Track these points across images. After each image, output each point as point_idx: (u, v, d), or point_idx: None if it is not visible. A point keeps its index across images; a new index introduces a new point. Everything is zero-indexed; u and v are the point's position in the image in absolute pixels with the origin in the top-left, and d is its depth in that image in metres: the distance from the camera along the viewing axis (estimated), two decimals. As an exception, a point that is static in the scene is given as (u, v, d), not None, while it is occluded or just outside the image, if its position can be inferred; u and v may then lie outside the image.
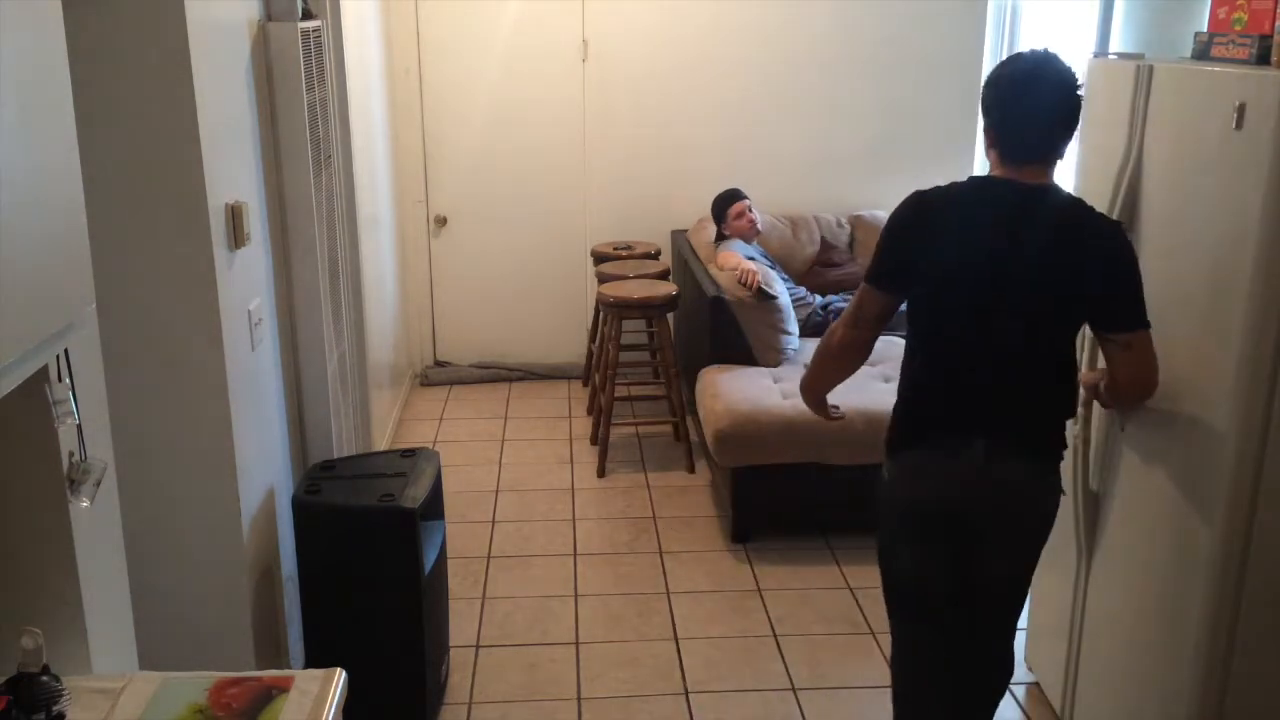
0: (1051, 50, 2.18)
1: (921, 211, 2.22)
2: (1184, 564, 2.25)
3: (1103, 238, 2.13)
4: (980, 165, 5.52)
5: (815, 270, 5.19)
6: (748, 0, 5.32)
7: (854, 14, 5.35)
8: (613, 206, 5.58)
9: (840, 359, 2.38)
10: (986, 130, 2.20)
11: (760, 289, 4.26)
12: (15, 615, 1.59)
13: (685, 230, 5.41)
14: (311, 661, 2.81)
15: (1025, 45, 5.22)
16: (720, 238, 4.88)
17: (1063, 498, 2.30)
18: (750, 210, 4.88)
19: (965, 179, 2.27)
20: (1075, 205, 2.18)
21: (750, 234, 4.87)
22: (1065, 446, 2.27)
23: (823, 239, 5.31)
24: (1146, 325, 2.13)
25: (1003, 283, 2.12)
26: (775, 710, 3.03)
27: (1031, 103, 2.13)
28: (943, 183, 2.23)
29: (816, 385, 2.48)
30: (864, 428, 3.72)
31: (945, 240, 2.17)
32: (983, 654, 2.38)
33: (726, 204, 4.90)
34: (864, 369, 4.21)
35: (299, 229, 2.95)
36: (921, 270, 2.20)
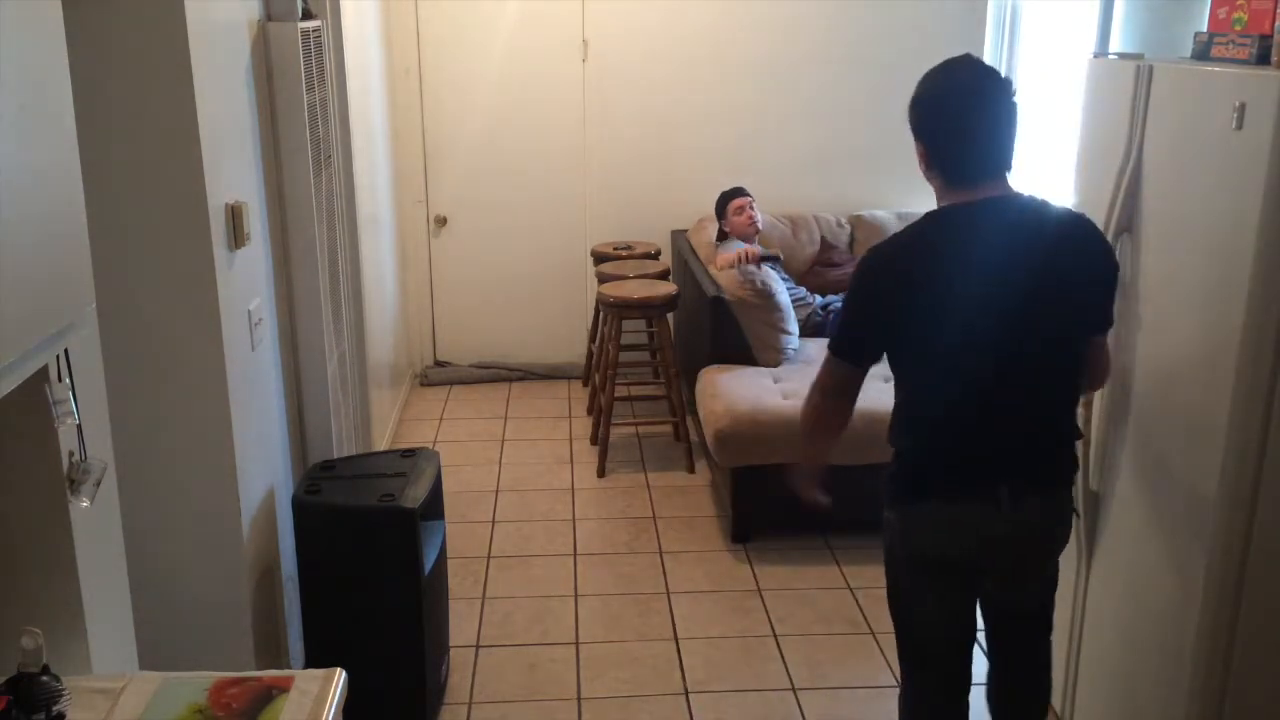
0: (972, 56, 2.08)
1: (883, 270, 2.07)
2: (1184, 564, 2.25)
3: (1090, 238, 2.08)
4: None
5: (815, 270, 5.19)
6: (748, 0, 5.32)
7: (854, 14, 5.35)
8: (613, 206, 5.58)
9: (817, 427, 2.21)
10: (926, 154, 2.06)
11: (760, 286, 4.26)
12: (15, 615, 1.59)
13: (685, 230, 5.41)
14: (311, 661, 2.81)
15: (1025, 45, 5.25)
16: (722, 236, 4.89)
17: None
18: (751, 208, 4.88)
19: (920, 218, 2.08)
20: (1050, 208, 2.09)
21: (750, 232, 4.87)
22: (1077, 469, 2.23)
23: (823, 239, 5.31)
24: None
25: (1009, 311, 2.00)
26: (775, 710, 3.03)
27: (974, 117, 2.00)
28: (934, 204, 2.08)
29: (807, 456, 2.29)
30: (863, 427, 3.70)
31: (923, 291, 2.01)
32: (1022, 678, 2.34)
33: (727, 199, 4.91)
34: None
35: (299, 229, 2.95)
36: (904, 330, 2.05)
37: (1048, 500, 2.16)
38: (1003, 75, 2.03)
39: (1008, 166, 2.06)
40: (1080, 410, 2.54)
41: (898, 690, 2.46)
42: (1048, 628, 2.35)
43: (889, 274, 2.07)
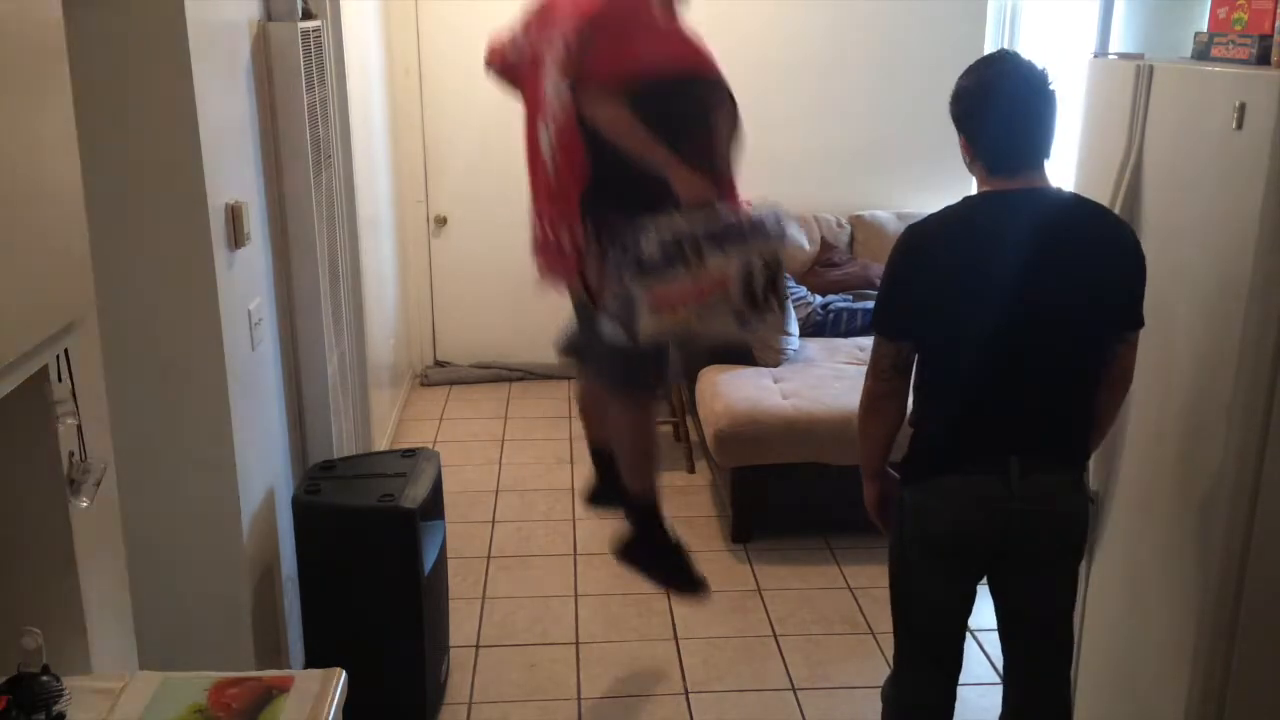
0: (1011, 50, 2.14)
1: (920, 247, 2.13)
2: (1184, 564, 2.25)
3: (1123, 236, 2.11)
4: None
5: (815, 270, 5.18)
6: (746, 1, 5.32)
7: (854, 14, 5.35)
8: (613, 206, 5.57)
9: (871, 411, 2.25)
10: (966, 144, 2.12)
11: None
12: (15, 615, 1.59)
13: (685, 230, 5.41)
14: (311, 661, 2.81)
15: (1025, 45, 5.25)
16: None
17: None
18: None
19: (959, 201, 2.16)
20: (1085, 204, 2.15)
21: None
22: (1088, 456, 2.24)
23: (823, 239, 5.31)
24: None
25: (1033, 299, 2.04)
26: (775, 710, 3.04)
27: (1011, 107, 2.05)
28: (935, 205, 2.14)
29: (863, 448, 2.32)
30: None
31: (955, 270, 2.08)
32: (1044, 706, 2.32)
33: None
34: (861, 369, 4.23)
35: (299, 229, 2.95)
36: (934, 308, 2.10)
37: (1061, 478, 2.16)
38: (1041, 69, 2.06)
39: (1046, 156, 2.10)
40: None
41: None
42: (1068, 649, 2.32)
43: (921, 251, 2.13)
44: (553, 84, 2.55)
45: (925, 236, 2.14)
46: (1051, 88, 2.06)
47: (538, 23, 2.72)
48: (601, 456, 3.14)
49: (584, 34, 2.48)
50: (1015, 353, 2.08)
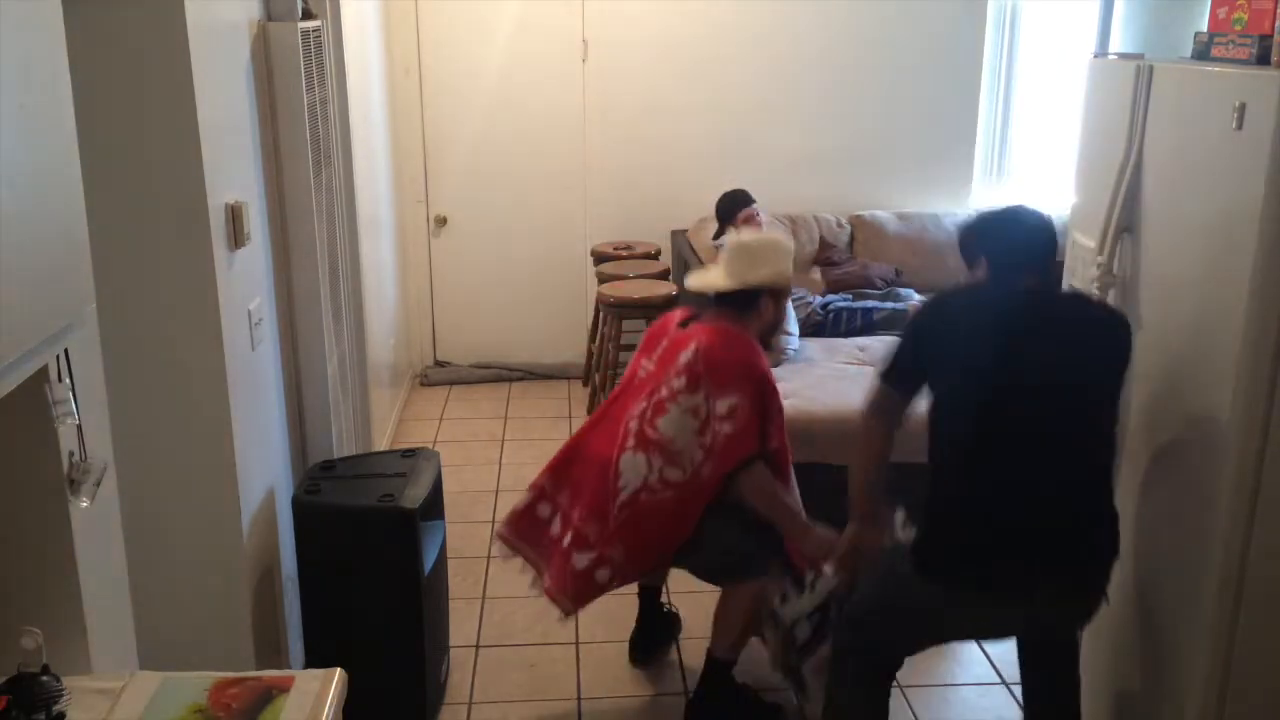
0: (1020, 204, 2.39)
1: (933, 322, 2.30)
2: (1184, 563, 2.25)
3: (1121, 338, 2.23)
4: (979, 177, 5.53)
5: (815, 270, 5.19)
6: (748, 0, 5.32)
7: (854, 14, 5.36)
8: (613, 207, 5.58)
9: (864, 446, 2.39)
10: (976, 267, 2.31)
11: None
12: (15, 615, 1.59)
13: (685, 230, 5.41)
14: (311, 661, 2.81)
15: (1025, 45, 5.25)
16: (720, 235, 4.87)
17: None
18: (758, 215, 4.87)
19: (981, 285, 2.30)
20: (1088, 305, 2.33)
21: None
22: (1115, 554, 2.29)
23: (822, 239, 5.31)
24: None
25: (1051, 398, 2.14)
26: (775, 710, 3.03)
27: (1029, 229, 2.27)
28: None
29: (858, 464, 2.42)
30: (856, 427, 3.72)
31: (961, 355, 2.20)
32: (1061, 712, 2.41)
33: (736, 206, 4.87)
34: (862, 369, 4.24)
35: (299, 229, 2.95)
36: (936, 382, 2.25)
37: (1079, 599, 2.27)
38: (1046, 216, 2.31)
39: (1046, 275, 2.32)
40: None
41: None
42: (1075, 664, 2.40)
43: (931, 328, 2.30)
44: (676, 425, 2.70)
45: (936, 313, 2.33)
46: (1056, 233, 2.28)
47: (657, 359, 2.87)
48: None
49: (739, 398, 2.68)
50: (1044, 454, 2.17)
